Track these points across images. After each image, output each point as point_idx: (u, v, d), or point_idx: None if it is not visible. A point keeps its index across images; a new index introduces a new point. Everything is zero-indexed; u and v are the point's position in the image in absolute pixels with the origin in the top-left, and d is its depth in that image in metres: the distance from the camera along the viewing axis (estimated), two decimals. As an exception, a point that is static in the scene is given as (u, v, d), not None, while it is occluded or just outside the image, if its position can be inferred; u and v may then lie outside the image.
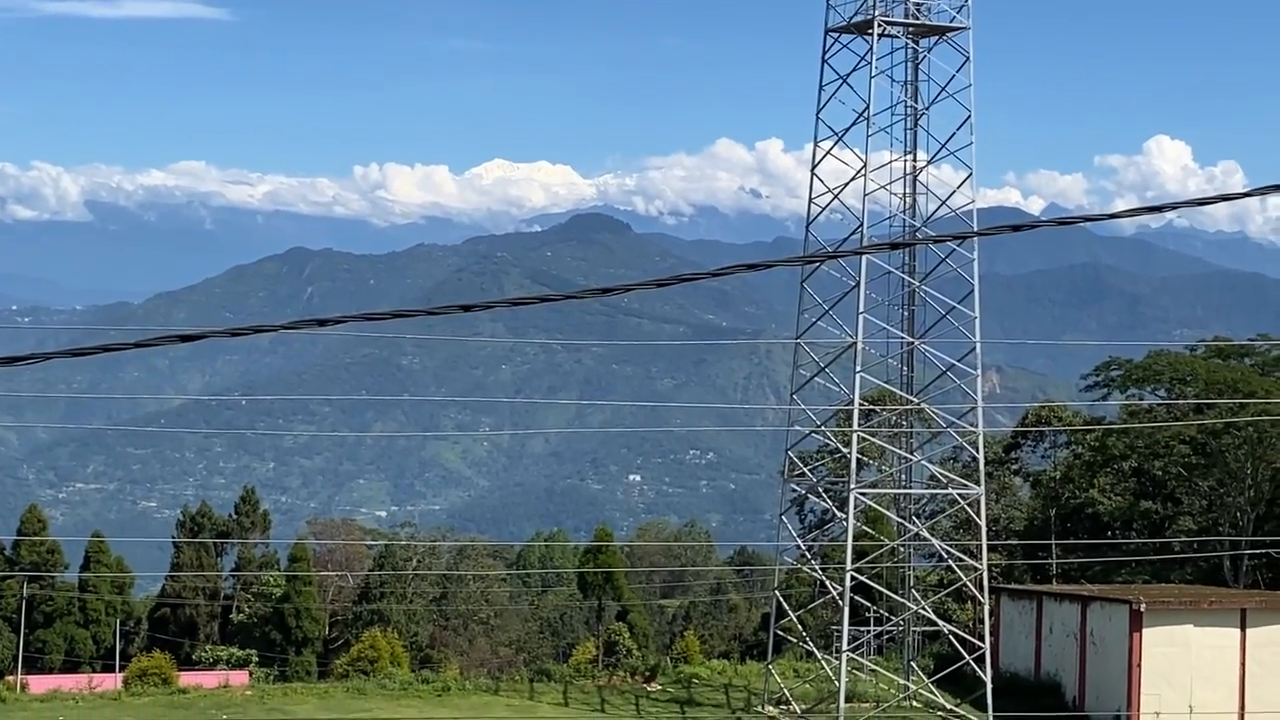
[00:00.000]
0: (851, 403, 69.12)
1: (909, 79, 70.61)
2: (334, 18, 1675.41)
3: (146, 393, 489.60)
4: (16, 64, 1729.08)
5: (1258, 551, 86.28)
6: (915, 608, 71.61)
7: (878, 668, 73.49)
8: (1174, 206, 13.35)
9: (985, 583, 70.56)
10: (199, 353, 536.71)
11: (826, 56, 71.04)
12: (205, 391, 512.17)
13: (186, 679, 79.29)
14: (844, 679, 66.91)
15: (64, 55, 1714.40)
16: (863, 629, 74.39)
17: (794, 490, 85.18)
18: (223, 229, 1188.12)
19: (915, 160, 70.89)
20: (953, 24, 70.22)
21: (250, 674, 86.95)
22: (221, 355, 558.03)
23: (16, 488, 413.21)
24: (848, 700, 67.29)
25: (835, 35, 70.72)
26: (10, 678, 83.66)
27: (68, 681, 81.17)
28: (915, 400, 71.06)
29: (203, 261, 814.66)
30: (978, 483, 71.00)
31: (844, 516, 69.85)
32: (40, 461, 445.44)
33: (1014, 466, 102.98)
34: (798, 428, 73.90)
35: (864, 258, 65.40)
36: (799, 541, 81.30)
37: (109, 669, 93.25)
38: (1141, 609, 68.06)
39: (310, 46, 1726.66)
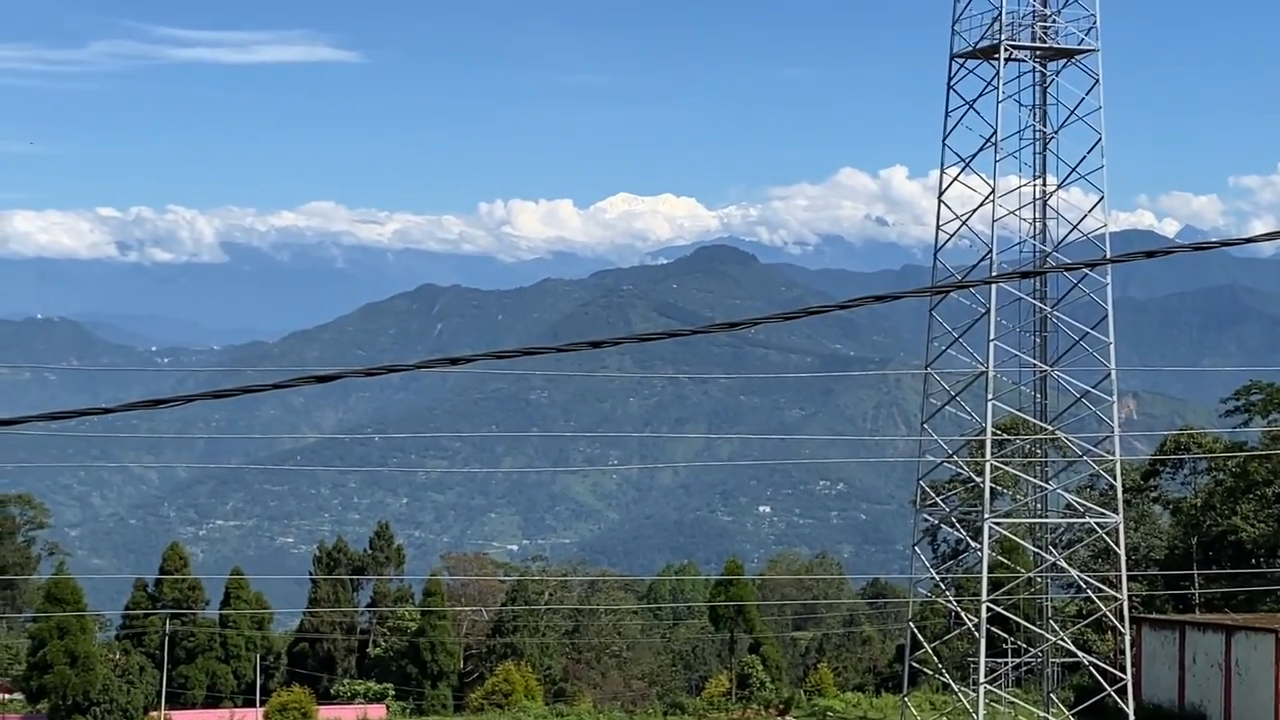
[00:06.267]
0: (983, 431, 68.32)
1: (1037, 103, 69.85)
2: (458, 57, 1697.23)
3: (282, 430, 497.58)
4: (152, 110, 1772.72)
5: None
6: (1054, 639, 70.46)
7: (1016, 700, 72.37)
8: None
9: (1126, 613, 69.29)
10: (333, 390, 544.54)
11: (952, 82, 70.53)
12: (339, 428, 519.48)
13: (325, 713, 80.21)
14: (981, 711, 65.95)
15: (197, 100, 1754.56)
16: (1000, 661, 73.35)
17: (926, 520, 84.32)
18: (354, 267, 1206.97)
19: (1045, 184, 70.06)
20: (1081, 46, 69.40)
21: (387, 708, 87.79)
22: (354, 392, 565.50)
23: (158, 525, 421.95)
24: (986, 733, 66.31)
25: (961, 61, 70.21)
26: (155, 713, 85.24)
27: (210, 716, 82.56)
28: (1049, 428, 70.05)
29: (335, 300, 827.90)
30: (1116, 511, 69.76)
31: (978, 546, 68.98)
32: (180, 499, 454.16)
33: (1153, 494, 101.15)
34: (929, 457, 73.20)
35: (994, 285, 64.69)
36: (933, 572, 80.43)
37: (250, 704, 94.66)
38: (1289, 639, 66.33)
39: (435, 86, 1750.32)
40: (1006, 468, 76.83)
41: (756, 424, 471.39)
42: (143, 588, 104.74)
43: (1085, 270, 67.91)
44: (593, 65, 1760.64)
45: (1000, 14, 67.93)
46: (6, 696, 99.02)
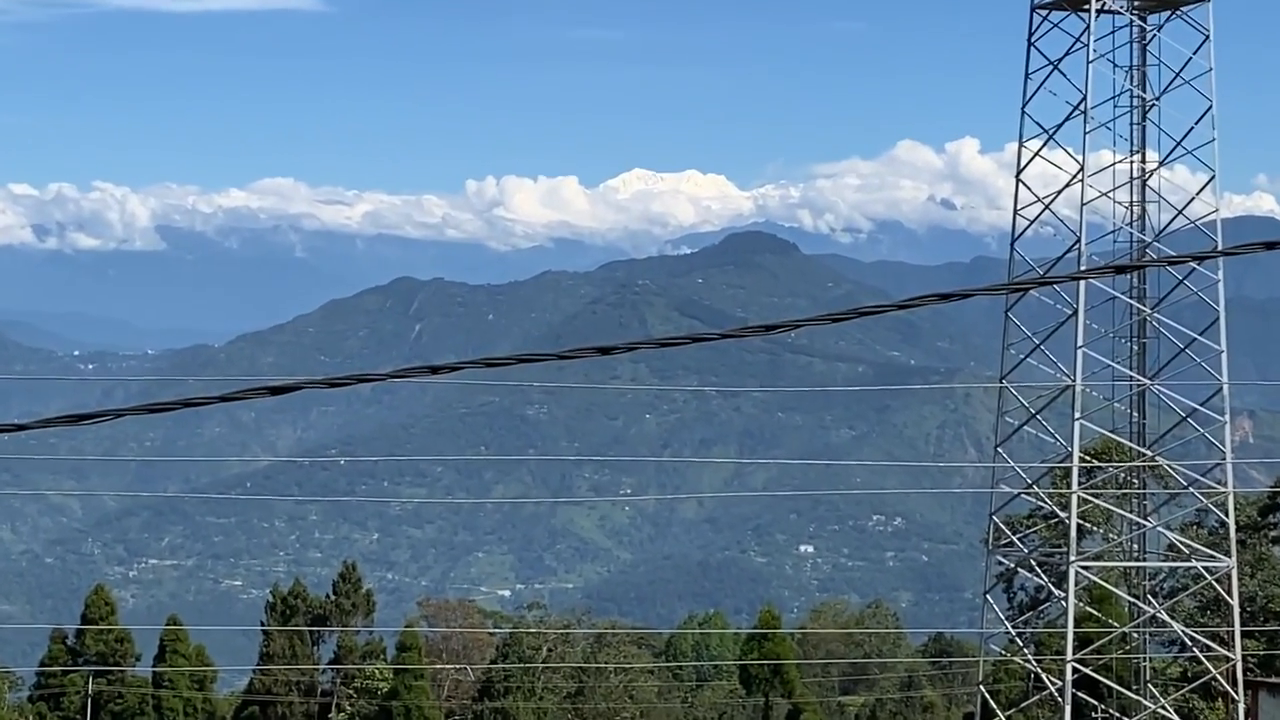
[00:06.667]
0: (1069, 457, 68.24)
1: (1135, 63, 69.83)
2: (441, 7, 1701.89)
3: (230, 452, 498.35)
4: (74, 70, 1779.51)
5: None
6: (1153, 706, 70.37)
7: (1107, 780, 72.31)
8: None
9: (1239, 675, 69.14)
10: (290, 403, 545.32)
11: (1033, 38, 70.54)
12: (298, 450, 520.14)
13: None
14: (1066, 794, 65.87)
15: (129, 57, 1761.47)
16: (1088, 732, 73.28)
17: (1000, 563, 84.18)
18: (316, 257, 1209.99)
19: (1144, 161, 70.04)
20: (1188, -5, 69.44)
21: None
22: (316, 407, 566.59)
23: (80, 565, 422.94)
24: (1071, 820, 66.26)
25: (1044, 12, 70.24)
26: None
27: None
28: (1148, 453, 69.96)
29: (293, 295, 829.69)
30: (1228, 553, 69.64)
31: (1063, 595, 68.90)
32: (108, 534, 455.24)
33: (1272, 533, 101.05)
34: (1004, 488, 73.13)
35: (1083, 282, 64.67)
36: (1007, 626, 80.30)
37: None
38: None
39: (415, 41, 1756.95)
40: (1097, 501, 76.71)
41: (797, 446, 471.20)
42: (61, 640, 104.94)
43: (1193, 264, 67.84)
44: (603, 18, 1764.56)
45: (1091, -44, 68.08)
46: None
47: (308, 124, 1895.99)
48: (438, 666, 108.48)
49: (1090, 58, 68.00)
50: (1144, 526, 72.24)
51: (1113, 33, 69.65)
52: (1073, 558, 68.44)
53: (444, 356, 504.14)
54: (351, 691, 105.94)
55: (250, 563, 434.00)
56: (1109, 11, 69.16)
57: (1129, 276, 69.45)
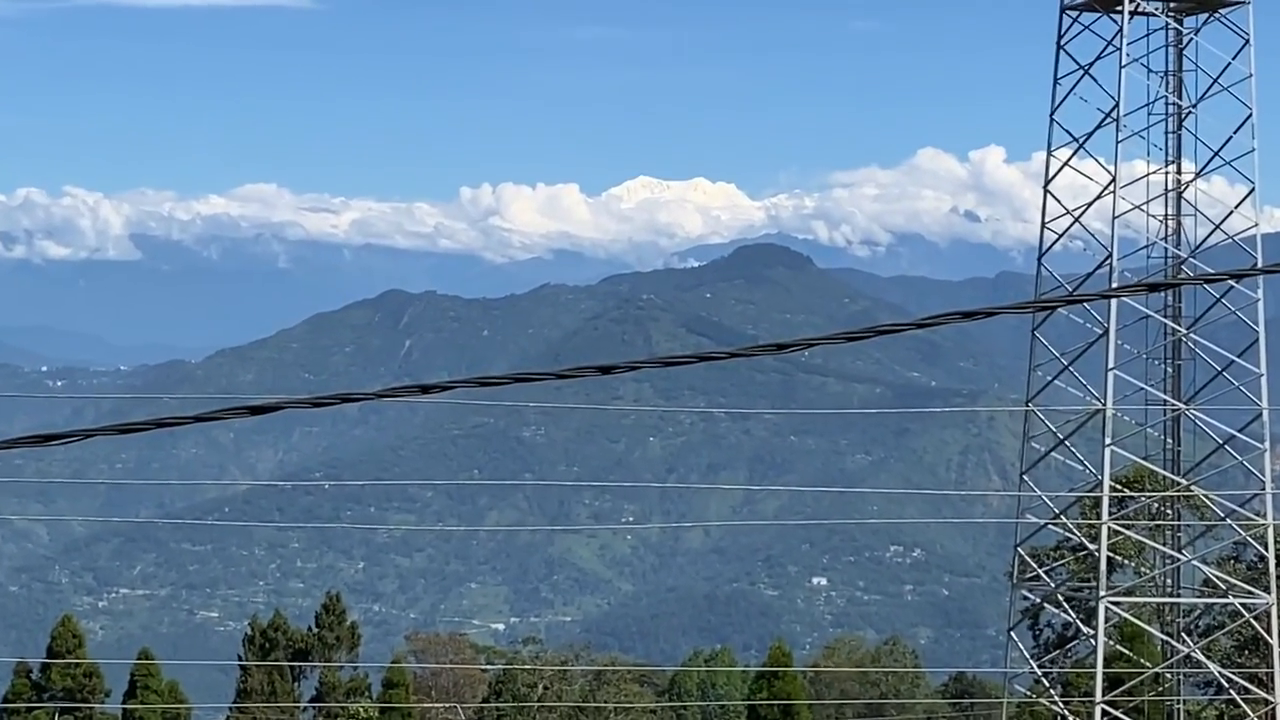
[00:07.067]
0: (1099, 486, 68.23)
1: (1171, 68, 69.94)
2: (435, 3, 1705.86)
3: (207, 475, 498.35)
4: (44, 66, 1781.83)
5: None
6: (1187, 752, 70.30)
7: (1138, 830, 72.22)
8: None
9: None
10: (271, 424, 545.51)
11: (1063, 41, 70.67)
12: (279, 473, 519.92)
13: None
14: (1094, 844, 65.81)
15: (103, 54, 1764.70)
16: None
17: (1026, 598, 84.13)
18: (300, 268, 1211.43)
19: (1180, 172, 70.11)
20: (1227, -4, 69.53)
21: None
22: (299, 427, 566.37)
23: (47, 594, 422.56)
24: None
25: (1074, 13, 70.36)
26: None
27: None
28: (1183, 482, 69.95)
29: (275, 309, 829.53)
30: (1268, 589, 69.57)
31: (1092, 633, 68.83)
32: (76, 561, 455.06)
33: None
34: (1030, 518, 73.13)
35: (1114, 300, 64.73)
36: (1033, 665, 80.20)
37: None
38: None
39: (406, 39, 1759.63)
40: (1128, 532, 76.68)
41: (810, 472, 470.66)
42: (25, 673, 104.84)
43: (1231, 282, 67.89)
44: (607, 15, 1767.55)
45: (1125, -46, 68.20)
46: None
47: (292, 126, 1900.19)
48: (426, 705, 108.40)
49: (1123, 62, 68.11)
50: (1178, 560, 72.21)
51: (1147, 35, 69.79)
52: (1102, 593, 68.39)
53: (435, 375, 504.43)
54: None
55: (227, 593, 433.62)
56: (1143, 13, 69.24)
57: (1163, 294, 69.51)
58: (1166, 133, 70.22)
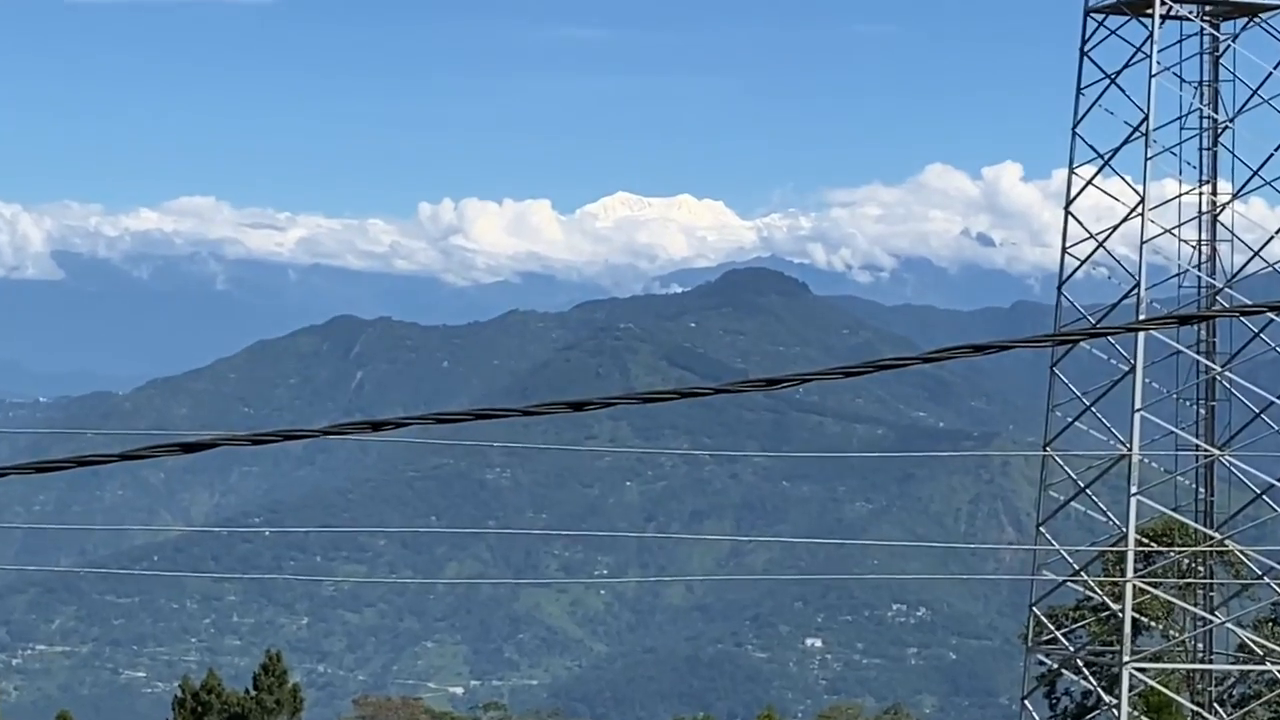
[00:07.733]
0: (1124, 539, 68.30)
1: (1206, 78, 70.18)
2: (394, 5, 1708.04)
3: (134, 520, 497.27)
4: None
5: None
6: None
7: None
8: None
9: (1321, 800, 69.14)
10: (207, 463, 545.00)
11: (1088, 47, 70.89)
12: (215, 518, 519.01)
13: None
14: None
15: (20, 49, 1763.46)
16: None
17: (1042, 663, 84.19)
18: (240, 289, 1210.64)
19: (1215, 193, 70.32)
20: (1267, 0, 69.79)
21: None
22: (238, 467, 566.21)
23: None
24: None
25: (1100, 17, 70.57)
26: None
27: None
28: (1216, 535, 70.05)
29: (212, 335, 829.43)
30: (1309, 655, 69.62)
31: (1114, 702, 68.84)
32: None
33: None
34: (1047, 574, 73.18)
35: (1142, 333, 64.87)
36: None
37: None
38: None
39: (359, 42, 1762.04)
40: (1155, 591, 76.75)
41: (805, 522, 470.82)
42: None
43: (1270, 315, 68.05)
44: (582, 14, 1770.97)
45: (1155, -48, 68.45)
46: None
47: (232, 134, 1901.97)
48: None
49: (1153, 71, 68.32)
50: (1211, 622, 72.26)
51: (1180, 42, 70.02)
52: (1126, 658, 68.43)
53: (389, 410, 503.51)
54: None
55: (156, 650, 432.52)
56: (1176, 17, 69.42)
57: (1196, 328, 69.65)
58: (1200, 149, 70.47)
